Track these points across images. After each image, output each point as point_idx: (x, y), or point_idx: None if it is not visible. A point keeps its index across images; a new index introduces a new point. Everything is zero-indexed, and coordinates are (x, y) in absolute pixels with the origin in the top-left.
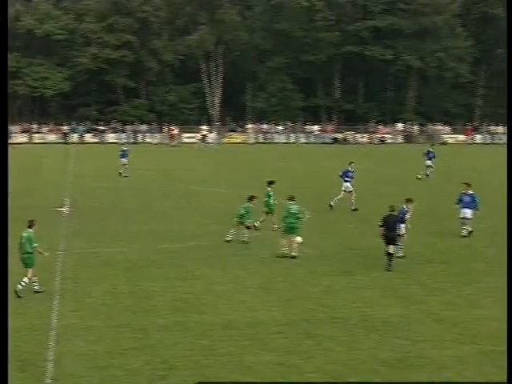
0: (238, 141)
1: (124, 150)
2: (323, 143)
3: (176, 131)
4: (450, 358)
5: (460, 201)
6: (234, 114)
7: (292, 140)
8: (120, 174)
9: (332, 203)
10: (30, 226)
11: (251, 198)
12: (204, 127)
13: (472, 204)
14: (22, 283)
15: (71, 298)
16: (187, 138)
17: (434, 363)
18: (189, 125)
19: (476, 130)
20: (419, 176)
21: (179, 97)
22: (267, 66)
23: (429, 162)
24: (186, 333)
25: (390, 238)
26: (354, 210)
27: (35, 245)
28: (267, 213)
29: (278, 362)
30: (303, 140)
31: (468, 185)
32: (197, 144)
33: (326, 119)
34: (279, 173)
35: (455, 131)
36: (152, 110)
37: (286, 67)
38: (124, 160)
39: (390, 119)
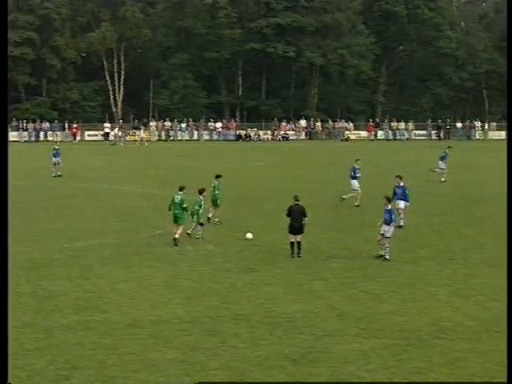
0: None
1: (56, 149)
2: (226, 140)
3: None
4: (353, 353)
5: (394, 194)
6: (137, 112)
7: (195, 137)
8: (57, 175)
9: (344, 196)
10: None
11: (202, 191)
12: (107, 125)
13: (404, 195)
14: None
15: None
16: (89, 135)
17: (338, 358)
18: (91, 122)
19: (378, 126)
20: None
21: (82, 94)
22: (170, 63)
23: (442, 164)
24: (89, 332)
25: (296, 227)
26: (356, 206)
27: None
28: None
29: (183, 360)
30: (206, 137)
31: (400, 177)
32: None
33: (229, 116)
34: (182, 170)
35: (358, 128)
36: (54, 108)
37: (188, 64)
38: (56, 159)
39: (292, 116)
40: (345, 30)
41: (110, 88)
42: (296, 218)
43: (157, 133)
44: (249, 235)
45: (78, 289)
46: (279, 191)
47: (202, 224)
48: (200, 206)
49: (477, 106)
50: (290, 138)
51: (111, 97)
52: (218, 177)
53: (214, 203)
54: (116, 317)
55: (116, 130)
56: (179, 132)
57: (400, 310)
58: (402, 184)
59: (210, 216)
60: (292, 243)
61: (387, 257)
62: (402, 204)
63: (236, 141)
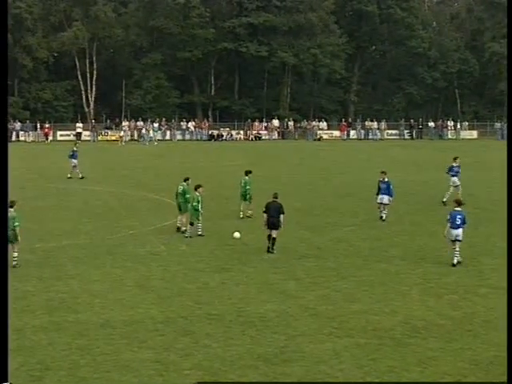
0: (114, 138)
1: (74, 150)
2: (199, 140)
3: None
4: (326, 352)
5: (378, 189)
6: (110, 112)
7: (168, 137)
8: (79, 177)
9: (444, 199)
10: None
11: (198, 187)
12: (79, 125)
13: (388, 190)
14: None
15: None
16: (62, 135)
17: (311, 357)
18: (64, 122)
19: (350, 125)
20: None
21: (54, 94)
22: (142, 62)
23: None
24: (61, 333)
25: (273, 223)
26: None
27: None
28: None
29: (156, 360)
30: (179, 137)
31: (384, 173)
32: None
33: (201, 116)
34: (155, 169)
35: (330, 127)
36: (26, 108)
37: (161, 64)
38: (74, 161)
39: (265, 116)
40: (317, 29)
41: (83, 88)
42: (273, 215)
43: (129, 132)
44: (236, 234)
45: (50, 289)
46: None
47: (192, 224)
48: (198, 202)
49: (449, 105)
50: (263, 137)
51: (83, 97)
52: (247, 173)
53: (244, 198)
54: (88, 317)
55: (144, 130)
56: (151, 132)
57: (373, 309)
58: (386, 179)
59: (242, 210)
60: (269, 236)
61: (460, 260)
62: (385, 199)
63: (208, 140)
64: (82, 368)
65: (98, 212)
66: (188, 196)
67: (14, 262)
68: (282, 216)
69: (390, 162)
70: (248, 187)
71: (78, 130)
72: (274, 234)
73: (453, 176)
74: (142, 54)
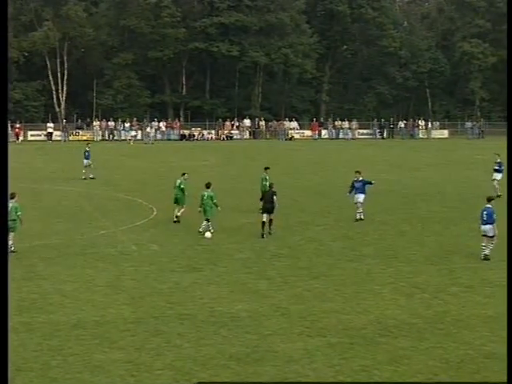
0: (85, 138)
1: (87, 150)
2: (170, 140)
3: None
4: (298, 351)
5: (352, 188)
6: (81, 111)
7: (139, 137)
8: (89, 177)
9: (499, 193)
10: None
11: (209, 186)
12: (50, 125)
13: (363, 189)
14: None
15: None
16: (32, 135)
17: (283, 356)
18: (34, 122)
19: (322, 125)
20: None
21: (24, 94)
22: (114, 62)
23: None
24: (32, 333)
25: (267, 208)
26: (497, 196)
27: None
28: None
29: (127, 360)
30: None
31: (359, 172)
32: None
33: (173, 116)
34: (126, 169)
35: (302, 127)
36: None
37: (132, 64)
38: (87, 161)
39: (236, 115)
40: (288, 29)
41: (53, 88)
42: (268, 200)
43: (100, 132)
44: (208, 234)
45: (21, 290)
46: (221, 191)
47: (208, 220)
48: (211, 199)
49: (420, 104)
50: (234, 137)
51: (54, 96)
52: (266, 169)
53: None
54: (60, 318)
55: (149, 129)
56: (122, 131)
57: (344, 308)
58: (360, 178)
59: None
60: (263, 223)
61: (487, 254)
62: (361, 198)
63: (180, 140)
64: (53, 369)
65: (69, 212)
66: (183, 187)
67: (11, 248)
68: (274, 197)
69: (362, 161)
70: (264, 183)
71: (49, 130)
72: (272, 216)
73: (496, 172)
74: (113, 53)
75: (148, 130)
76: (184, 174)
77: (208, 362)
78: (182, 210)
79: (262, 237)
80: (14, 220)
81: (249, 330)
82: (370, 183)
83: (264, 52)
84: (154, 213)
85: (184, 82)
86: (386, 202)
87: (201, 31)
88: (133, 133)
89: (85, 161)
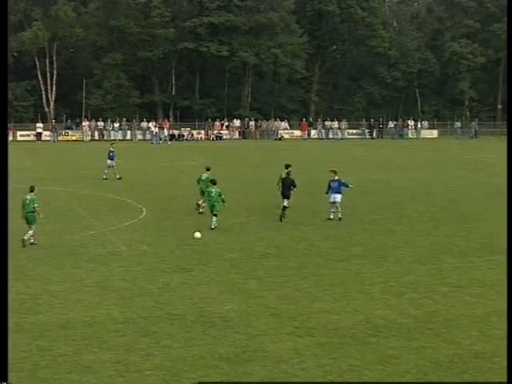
0: (74, 138)
1: (112, 151)
2: (160, 140)
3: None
4: (287, 351)
5: (329, 188)
6: (70, 112)
7: (128, 137)
8: (116, 177)
9: None
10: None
11: (215, 182)
12: (39, 125)
13: (339, 188)
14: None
15: None
16: (22, 136)
17: (272, 356)
18: (24, 123)
19: (311, 125)
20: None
21: (13, 94)
22: (103, 62)
23: None
24: (21, 334)
25: (286, 194)
26: None
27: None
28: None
29: (117, 361)
30: (140, 137)
31: (334, 172)
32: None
33: (162, 116)
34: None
35: (291, 127)
36: None
37: (121, 64)
38: (111, 162)
39: (226, 115)
40: (278, 29)
41: (43, 88)
42: (286, 188)
43: (90, 133)
44: (197, 234)
45: (10, 290)
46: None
47: (216, 215)
48: (219, 195)
49: (409, 104)
50: (224, 137)
51: (44, 97)
52: (287, 166)
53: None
54: (49, 318)
55: (164, 129)
56: (112, 132)
57: (334, 308)
58: (336, 178)
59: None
60: (284, 207)
61: None
62: (338, 198)
63: (169, 140)
64: (42, 369)
65: (58, 212)
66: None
67: (32, 240)
68: (294, 189)
69: (351, 161)
70: (283, 177)
71: (39, 130)
72: (286, 202)
73: None
74: (103, 53)
75: (157, 129)
76: (209, 170)
77: (197, 363)
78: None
79: (281, 220)
80: (32, 212)
81: (238, 330)
82: (347, 186)
83: (253, 52)
84: (144, 213)
85: (173, 82)
86: (375, 201)
87: (190, 31)
88: (165, 132)
89: (108, 161)
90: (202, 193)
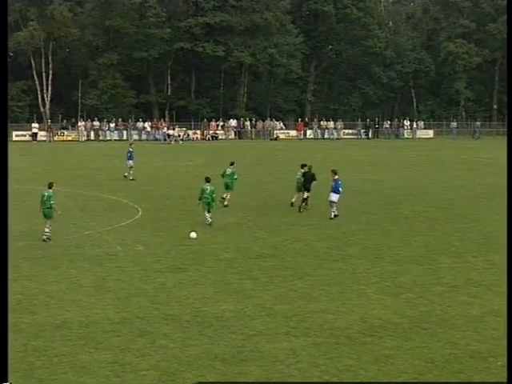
0: (70, 138)
1: (131, 151)
2: (156, 140)
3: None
4: (283, 351)
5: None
6: (66, 112)
7: (124, 137)
8: (125, 176)
9: None
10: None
11: (209, 180)
12: (35, 125)
13: (336, 189)
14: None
15: None
16: (17, 136)
17: (268, 356)
18: (19, 123)
19: (307, 125)
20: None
21: (9, 94)
22: (98, 62)
23: None
24: (17, 334)
25: (307, 187)
26: None
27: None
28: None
29: (112, 361)
30: (136, 137)
31: (334, 172)
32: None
33: (158, 116)
34: (110, 170)
35: (287, 127)
36: None
37: (117, 64)
38: (130, 162)
39: (222, 115)
40: (274, 29)
41: (38, 88)
42: (308, 181)
43: (85, 133)
44: (193, 234)
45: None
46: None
47: (209, 211)
48: (212, 193)
49: (405, 104)
50: (220, 137)
51: (39, 97)
52: (303, 166)
53: (299, 189)
54: (45, 318)
55: (176, 130)
56: (108, 132)
57: (329, 308)
58: (336, 177)
59: (293, 200)
60: (303, 199)
61: None
62: (334, 197)
63: (165, 140)
64: (38, 369)
65: (54, 213)
66: (236, 177)
67: (45, 237)
68: (314, 182)
69: (347, 161)
70: (298, 177)
71: (34, 131)
72: (306, 194)
73: None
74: (98, 53)
75: (170, 131)
76: (232, 164)
77: (193, 363)
78: (229, 195)
79: (299, 211)
80: (50, 208)
81: (234, 331)
82: (339, 188)
83: (249, 52)
84: (139, 213)
85: (169, 82)
86: (371, 201)
87: (186, 31)
88: (181, 132)
89: (130, 161)
90: (227, 187)
